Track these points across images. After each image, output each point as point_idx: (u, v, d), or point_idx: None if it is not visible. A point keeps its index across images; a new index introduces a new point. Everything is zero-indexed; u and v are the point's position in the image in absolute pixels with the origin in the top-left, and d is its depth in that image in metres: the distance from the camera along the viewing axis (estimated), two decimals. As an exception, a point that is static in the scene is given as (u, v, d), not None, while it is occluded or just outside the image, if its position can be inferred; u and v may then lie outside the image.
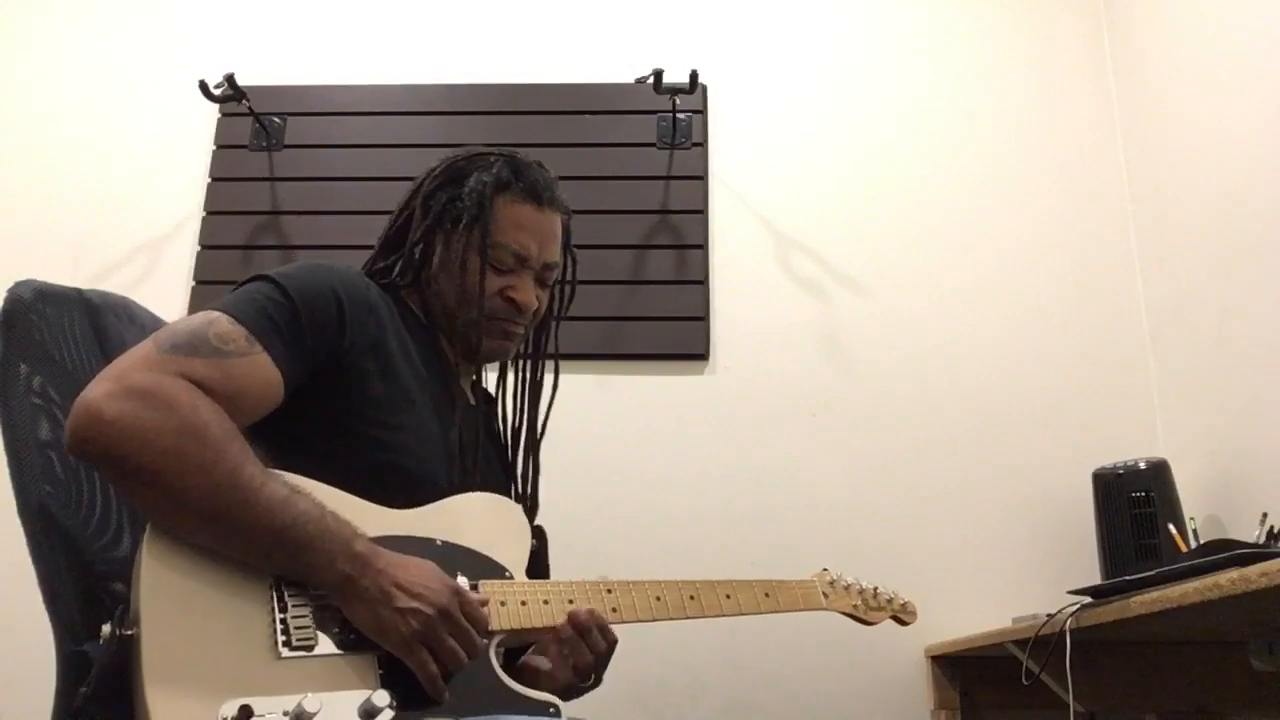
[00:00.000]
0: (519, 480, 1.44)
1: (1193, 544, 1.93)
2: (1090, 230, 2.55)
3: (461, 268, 1.32)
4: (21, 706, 2.06)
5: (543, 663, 1.25)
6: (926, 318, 2.49)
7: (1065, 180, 2.59)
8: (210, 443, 1.01)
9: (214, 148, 2.66)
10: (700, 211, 2.56)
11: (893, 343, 2.48)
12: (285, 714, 0.95)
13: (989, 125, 2.64)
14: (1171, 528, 1.95)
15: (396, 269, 1.37)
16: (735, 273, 2.53)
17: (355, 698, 1.00)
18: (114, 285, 2.02)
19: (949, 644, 2.13)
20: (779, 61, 2.71)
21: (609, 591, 1.26)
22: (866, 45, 2.72)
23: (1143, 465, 2.05)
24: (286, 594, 1.04)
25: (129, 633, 0.97)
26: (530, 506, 1.42)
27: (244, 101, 2.52)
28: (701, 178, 2.58)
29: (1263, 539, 1.73)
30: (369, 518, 1.11)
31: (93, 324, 1.20)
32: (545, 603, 1.21)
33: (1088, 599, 1.53)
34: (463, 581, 1.13)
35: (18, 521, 1.08)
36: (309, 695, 0.96)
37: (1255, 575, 1.08)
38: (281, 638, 1.01)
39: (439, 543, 1.17)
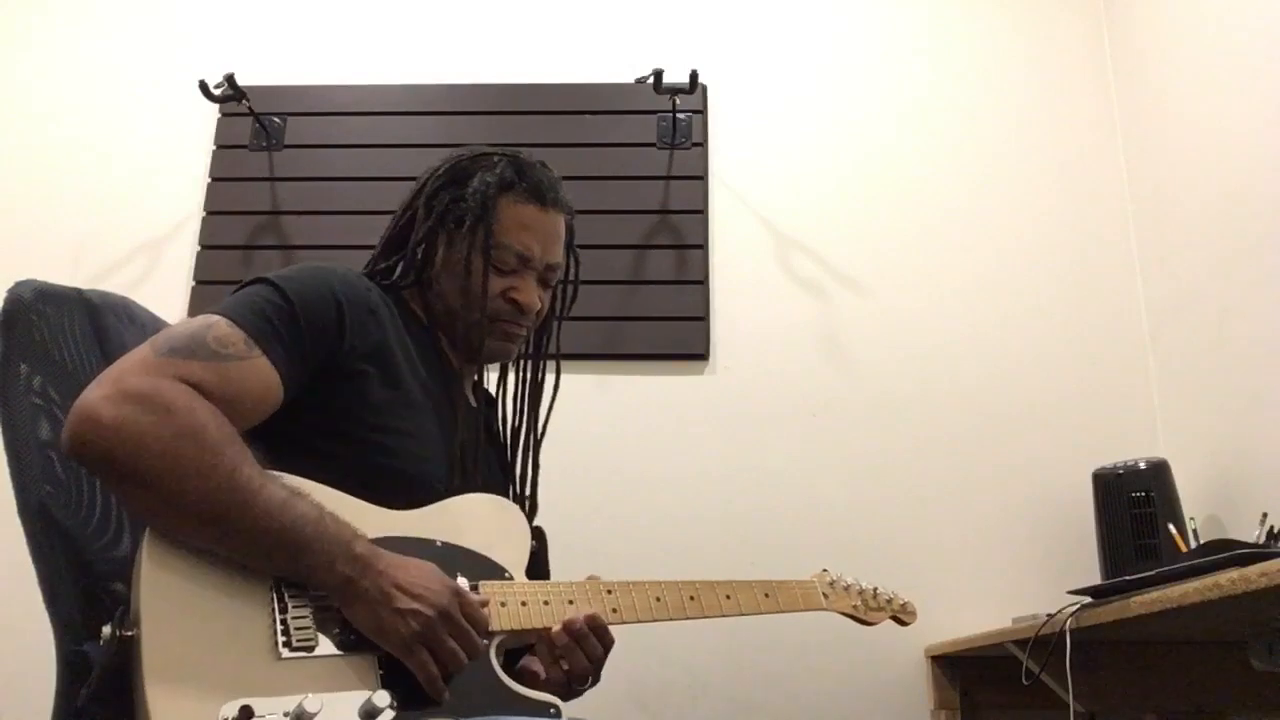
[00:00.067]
0: (517, 481, 1.44)
1: (1193, 544, 1.93)
2: (1090, 230, 2.55)
3: (465, 269, 1.32)
4: (21, 706, 2.06)
5: (537, 668, 1.25)
6: (926, 318, 2.49)
7: (1065, 180, 2.59)
8: (208, 446, 1.01)
9: (214, 148, 2.66)
10: (700, 211, 2.56)
11: (893, 343, 2.48)
12: (286, 714, 0.95)
13: (989, 125, 2.64)
14: (1171, 528, 1.95)
15: (399, 269, 1.37)
16: (735, 273, 2.53)
17: (356, 698, 1.00)
18: (114, 285, 2.02)
19: (949, 644, 2.13)
20: (779, 61, 2.71)
21: (609, 592, 1.26)
22: (866, 45, 2.72)
23: (1143, 465, 2.05)
24: (287, 595, 1.04)
25: (129, 634, 0.97)
26: (529, 507, 1.42)
27: (244, 101, 2.52)
28: (701, 178, 2.58)
29: (1263, 539, 1.73)
30: (369, 519, 1.11)
31: (93, 324, 1.20)
32: (545, 603, 1.20)
33: (1088, 599, 1.53)
34: (463, 582, 1.13)
35: (18, 521, 1.08)
36: (309, 696, 0.96)
37: (1255, 575, 1.08)
38: (282, 638, 1.01)
39: (439, 544, 1.17)
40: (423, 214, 1.36)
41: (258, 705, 0.95)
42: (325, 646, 1.03)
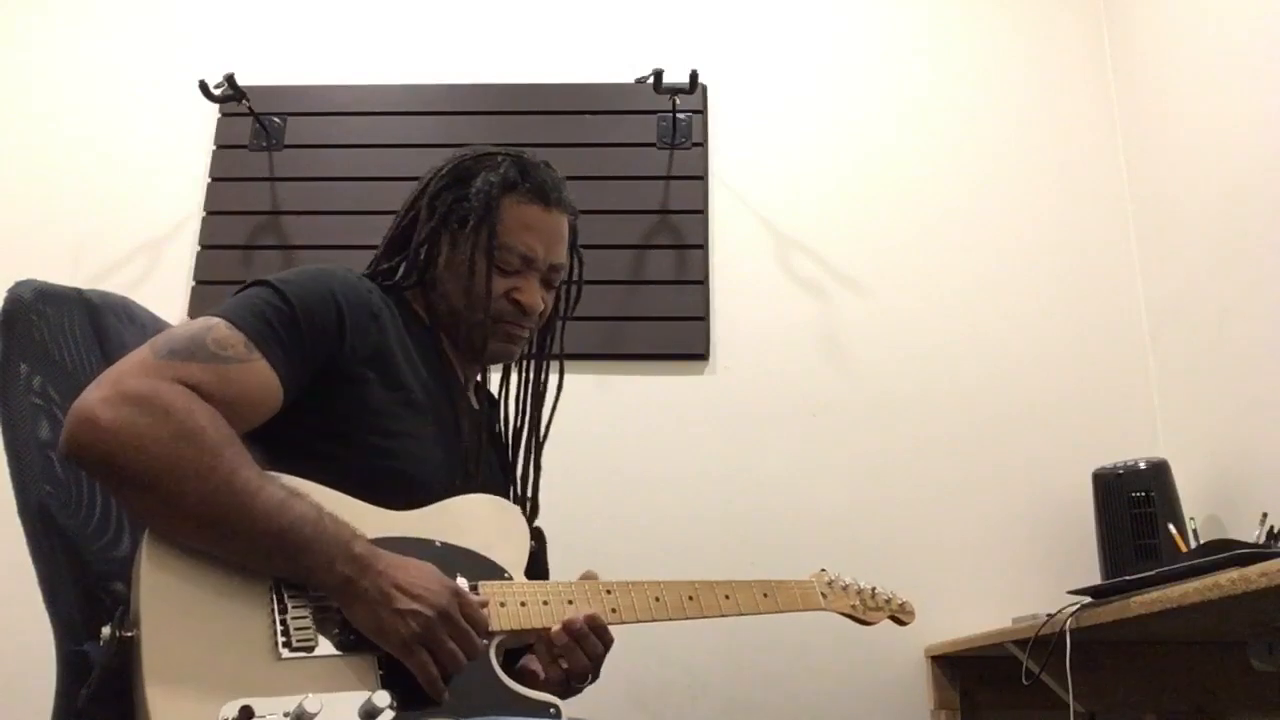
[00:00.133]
0: (519, 482, 1.43)
1: (1193, 544, 1.93)
2: (1090, 230, 2.55)
3: (468, 269, 1.31)
4: (21, 706, 2.06)
5: (537, 667, 1.25)
6: (926, 318, 2.49)
7: (1065, 180, 2.59)
8: (206, 447, 1.01)
9: (214, 148, 2.66)
10: (700, 211, 2.56)
11: (893, 343, 2.48)
12: (286, 715, 0.95)
13: (989, 125, 2.64)
14: (1171, 528, 1.95)
15: (401, 270, 1.36)
16: (735, 273, 2.53)
17: (356, 698, 1.00)
18: (114, 285, 2.02)
19: (949, 644, 2.13)
20: (779, 61, 2.71)
21: (608, 592, 1.26)
22: (866, 45, 2.72)
23: (1143, 465, 2.05)
24: (286, 595, 1.04)
25: (129, 634, 0.97)
26: (531, 508, 1.42)
27: (244, 101, 2.52)
28: (701, 178, 2.58)
29: (1263, 539, 1.73)
30: (367, 519, 1.11)
31: (93, 324, 1.20)
32: (545, 603, 1.20)
33: (1088, 599, 1.53)
34: (462, 583, 1.13)
35: (18, 521, 1.08)
36: (309, 696, 0.96)
37: (1255, 575, 1.08)
38: (281, 639, 1.01)
39: (438, 544, 1.17)
40: (425, 214, 1.36)
41: (258, 705, 0.95)
42: (325, 647, 1.03)
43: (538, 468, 1.44)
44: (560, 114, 2.63)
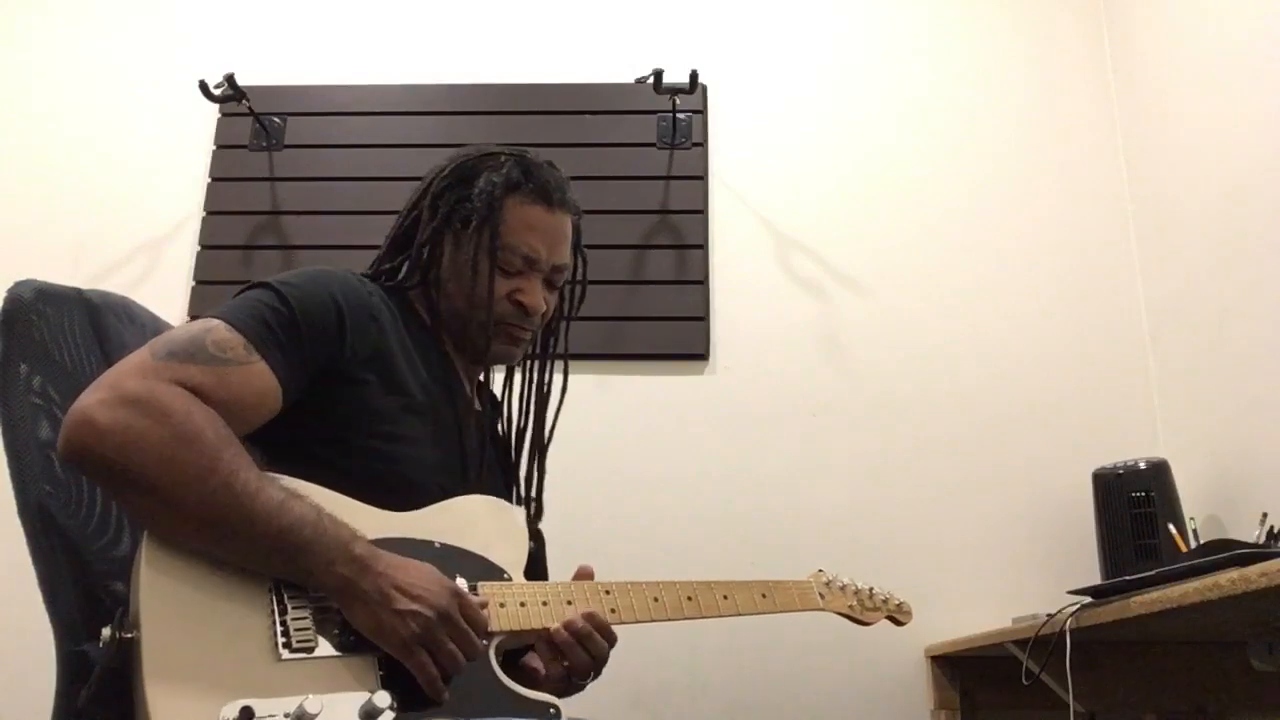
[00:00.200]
0: (523, 483, 1.43)
1: (1193, 544, 1.93)
2: (1090, 230, 2.55)
3: (470, 270, 1.30)
4: (21, 706, 2.06)
5: (539, 665, 1.25)
6: (926, 318, 2.49)
7: (1065, 180, 2.59)
8: (205, 449, 1.01)
9: (214, 148, 2.66)
10: (700, 211, 2.56)
11: (893, 343, 2.48)
12: (286, 715, 0.95)
13: (989, 125, 2.64)
14: (1171, 528, 1.95)
15: (404, 270, 1.36)
16: (735, 273, 2.53)
17: (356, 699, 1.00)
18: (114, 285, 2.02)
19: (949, 644, 2.13)
20: (779, 61, 2.71)
21: (607, 593, 1.26)
22: (866, 45, 2.72)
23: (1143, 465, 2.05)
24: (286, 596, 1.04)
25: (129, 635, 0.97)
26: (536, 509, 1.41)
27: (244, 101, 2.52)
28: (701, 178, 2.58)
29: (1263, 539, 1.73)
30: (367, 520, 1.11)
31: (93, 324, 1.20)
32: (544, 604, 1.20)
33: (1088, 599, 1.53)
34: (461, 583, 1.13)
35: (18, 521, 1.08)
36: (310, 697, 0.96)
37: (1255, 575, 1.08)
38: (281, 640, 1.01)
39: (437, 545, 1.16)
40: (428, 214, 1.35)
41: (258, 706, 0.95)
42: (325, 648, 1.03)
43: (542, 469, 1.43)
44: (560, 114, 2.63)
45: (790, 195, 2.59)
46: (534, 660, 1.27)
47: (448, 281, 1.34)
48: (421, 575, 1.08)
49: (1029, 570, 2.28)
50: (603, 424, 2.38)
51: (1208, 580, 1.16)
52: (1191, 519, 2.03)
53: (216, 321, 1.11)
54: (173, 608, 0.98)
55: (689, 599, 1.30)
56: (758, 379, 2.44)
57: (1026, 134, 2.63)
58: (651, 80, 2.45)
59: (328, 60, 2.73)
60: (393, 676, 1.05)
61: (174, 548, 1.01)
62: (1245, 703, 1.82)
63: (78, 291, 1.21)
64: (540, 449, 1.44)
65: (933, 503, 2.35)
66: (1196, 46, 2.30)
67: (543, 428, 1.44)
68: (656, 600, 1.28)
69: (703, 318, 2.47)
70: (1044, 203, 2.58)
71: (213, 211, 2.60)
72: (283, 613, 1.03)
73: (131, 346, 1.12)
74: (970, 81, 2.68)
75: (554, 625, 1.19)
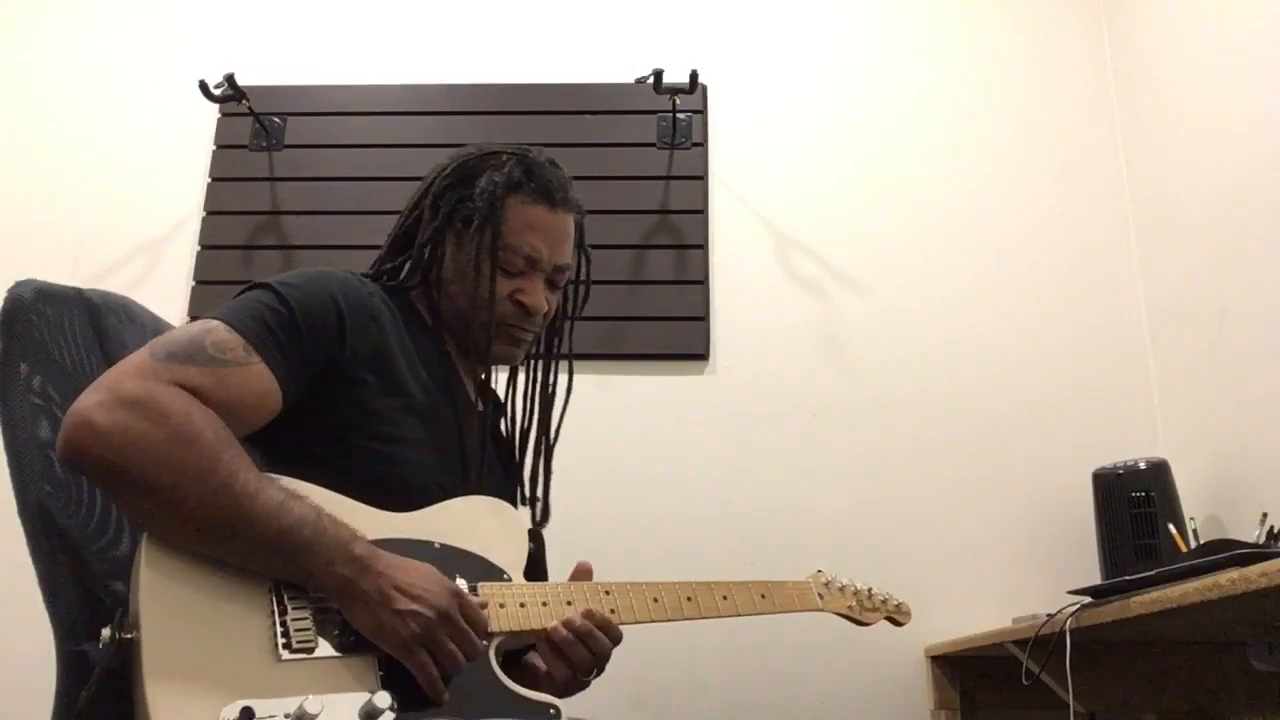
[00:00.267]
0: (528, 484, 1.42)
1: (1193, 544, 1.93)
2: (1090, 230, 2.55)
3: (472, 270, 1.30)
4: (21, 706, 2.06)
5: (541, 663, 1.25)
6: (926, 318, 2.49)
7: (1065, 180, 2.59)
8: (204, 450, 1.01)
9: (214, 148, 2.66)
10: (700, 211, 2.56)
11: (893, 343, 2.48)
12: (287, 716, 0.95)
13: (989, 125, 2.64)
14: (1171, 528, 1.95)
15: (405, 270, 1.36)
16: (735, 273, 2.53)
17: (356, 699, 1.00)
18: (114, 285, 2.01)
19: (949, 644, 2.13)
20: (779, 61, 2.71)
21: (607, 593, 1.26)
22: (866, 45, 2.72)
23: (1143, 465, 2.05)
24: (286, 597, 1.04)
25: (129, 636, 0.97)
26: (542, 510, 1.41)
27: (244, 101, 2.52)
28: (701, 178, 2.58)
29: (1263, 539, 1.73)
30: (367, 521, 1.11)
31: (93, 324, 1.20)
32: (544, 604, 1.20)
33: (1088, 599, 1.53)
34: (461, 584, 1.13)
35: (18, 521, 1.08)
36: (310, 697, 0.96)
37: (1255, 575, 1.08)
38: (281, 640, 1.01)
39: (437, 545, 1.16)
40: (429, 214, 1.34)
41: (258, 707, 0.95)
42: (325, 648, 1.03)
43: (548, 470, 1.43)
44: (560, 114, 2.63)
45: (790, 195, 2.59)
46: (536, 659, 1.27)
47: (449, 282, 1.33)
48: (421, 575, 1.08)
49: (1029, 570, 2.28)
50: (603, 424, 2.38)
51: (1208, 580, 1.16)
52: (1191, 519, 2.03)
53: (216, 322, 1.11)
54: (173, 608, 0.98)
55: (689, 599, 1.30)
56: (758, 379, 2.44)
57: (1026, 134, 2.63)
58: (651, 80, 2.45)
59: (328, 60, 2.73)
60: (393, 677, 1.05)
61: (174, 549, 1.00)
62: (1245, 703, 1.81)
63: (78, 291, 1.21)
64: (546, 450, 1.43)
65: (932, 503, 2.35)
66: (1196, 46, 2.30)
67: (548, 428, 1.44)
68: (656, 601, 1.28)
69: (703, 318, 2.47)
70: (1044, 203, 2.58)
71: (213, 211, 2.60)
72: (283, 613, 1.03)
73: (131, 346, 1.12)
74: (970, 81, 2.68)
75: (555, 625, 1.19)
